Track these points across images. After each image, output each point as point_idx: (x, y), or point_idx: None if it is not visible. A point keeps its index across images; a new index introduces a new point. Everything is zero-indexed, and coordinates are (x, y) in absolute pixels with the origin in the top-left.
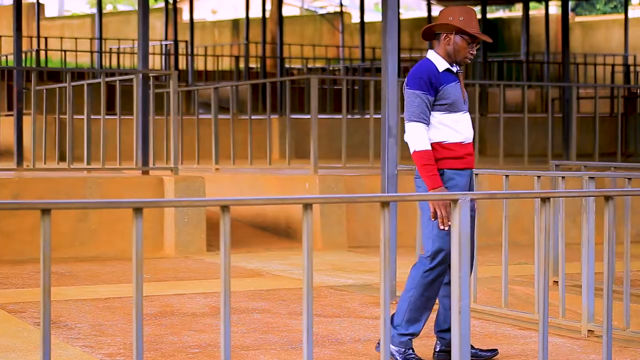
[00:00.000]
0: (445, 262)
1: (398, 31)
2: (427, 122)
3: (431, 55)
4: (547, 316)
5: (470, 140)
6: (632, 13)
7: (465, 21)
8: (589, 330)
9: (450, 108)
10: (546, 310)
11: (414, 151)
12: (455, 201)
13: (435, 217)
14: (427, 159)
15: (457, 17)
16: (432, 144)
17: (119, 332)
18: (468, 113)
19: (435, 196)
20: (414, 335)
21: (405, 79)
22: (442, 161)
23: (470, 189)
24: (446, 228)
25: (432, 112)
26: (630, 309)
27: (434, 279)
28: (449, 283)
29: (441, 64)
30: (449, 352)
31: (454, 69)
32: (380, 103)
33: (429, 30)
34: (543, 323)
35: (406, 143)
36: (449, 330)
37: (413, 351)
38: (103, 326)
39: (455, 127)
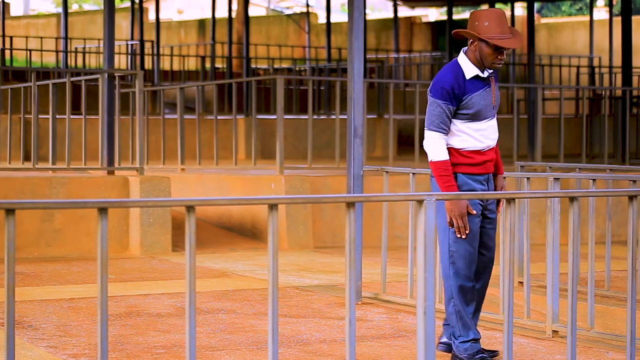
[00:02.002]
0: (473, 263)
1: (364, 32)
2: (446, 132)
3: (462, 59)
4: (512, 317)
5: (492, 147)
6: (597, 15)
7: (489, 26)
8: (553, 331)
9: (473, 117)
10: (511, 311)
11: (431, 161)
12: (420, 202)
13: (452, 225)
14: (444, 170)
15: (482, 22)
16: (450, 149)
17: (84, 333)
18: (495, 118)
19: (402, 197)
20: (476, 339)
21: (431, 84)
22: (458, 166)
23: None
24: (464, 236)
25: (453, 120)
26: (594, 310)
27: (461, 285)
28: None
29: (469, 71)
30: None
31: (484, 74)
32: (346, 104)
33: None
34: (508, 323)
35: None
36: None
37: (481, 351)
38: (68, 327)
39: (476, 135)
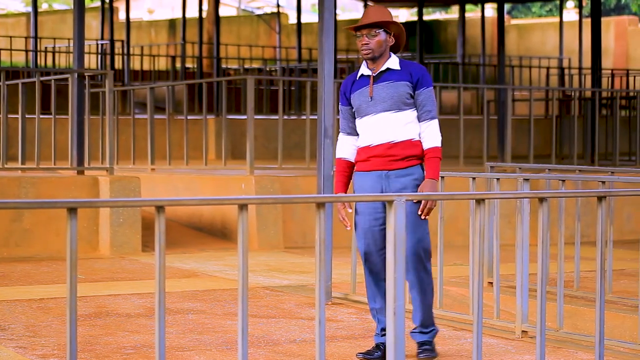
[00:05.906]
0: (366, 261)
1: (335, 32)
2: (346, 131)
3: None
4: (482, 317)
5: (381, 142)
6: (567, 16)
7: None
8: (522, 331)
9: (357, 114)
10: (481, 311)
11: None
12: (390, 203)
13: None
14: (336, 166)
15: None
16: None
17: (53, 333)
18: (384, 113)
19: (371, 197)
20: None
21: None
22: (356, 164)
23: (389, 190)
24: (348, 228)
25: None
26: (563, 310)
27: (365, 278)
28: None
29: (361, 72)
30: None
31: (369, 72)
32: (316, 104)
33: None
34: (477, 324)
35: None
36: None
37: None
38: (37, 327)
39: (362, 130)
